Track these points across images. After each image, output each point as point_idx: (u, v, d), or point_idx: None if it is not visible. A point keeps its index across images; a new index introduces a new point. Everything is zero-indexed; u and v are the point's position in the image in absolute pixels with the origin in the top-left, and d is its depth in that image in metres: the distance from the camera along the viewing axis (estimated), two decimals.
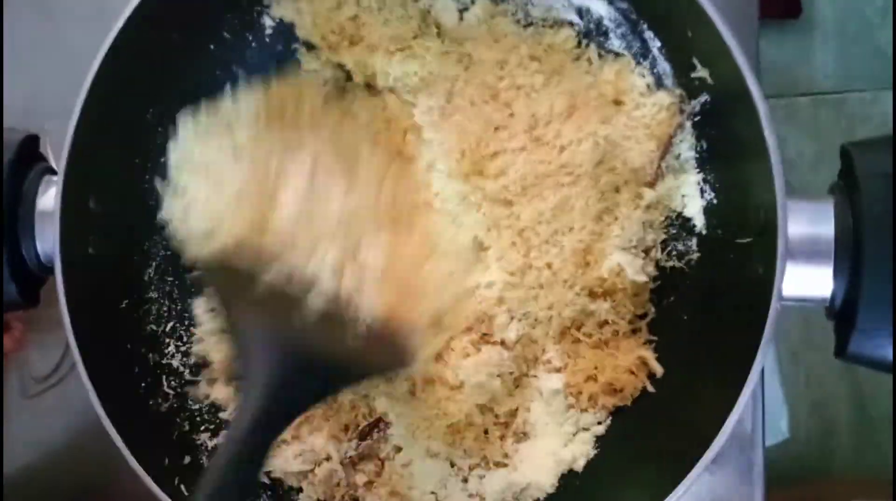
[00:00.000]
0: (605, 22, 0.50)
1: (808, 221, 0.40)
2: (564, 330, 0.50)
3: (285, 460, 0.49)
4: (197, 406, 0.51)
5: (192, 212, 0.45)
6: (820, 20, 1.23)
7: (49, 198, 0.44)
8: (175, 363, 0.51)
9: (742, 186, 0.44)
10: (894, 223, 0.38)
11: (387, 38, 0.51)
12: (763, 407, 0.53)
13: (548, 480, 0.49)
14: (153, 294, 0.51)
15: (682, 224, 0.50)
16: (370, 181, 0.46)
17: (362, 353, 0.42)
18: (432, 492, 0.49)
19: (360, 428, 0.50)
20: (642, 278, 0.49)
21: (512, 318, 0.50)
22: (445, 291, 0.46)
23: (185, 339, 0.52)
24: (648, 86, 0.50)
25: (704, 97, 0.46)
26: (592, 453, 0.49)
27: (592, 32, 0.51)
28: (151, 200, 0.52)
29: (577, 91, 0.49)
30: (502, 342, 0.50)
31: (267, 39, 0.53)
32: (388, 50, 0.51)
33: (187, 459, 0.48)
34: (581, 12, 0.51)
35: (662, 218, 0.51)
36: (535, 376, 0.51)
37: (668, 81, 0.49)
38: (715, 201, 0.48)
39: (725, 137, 0.46)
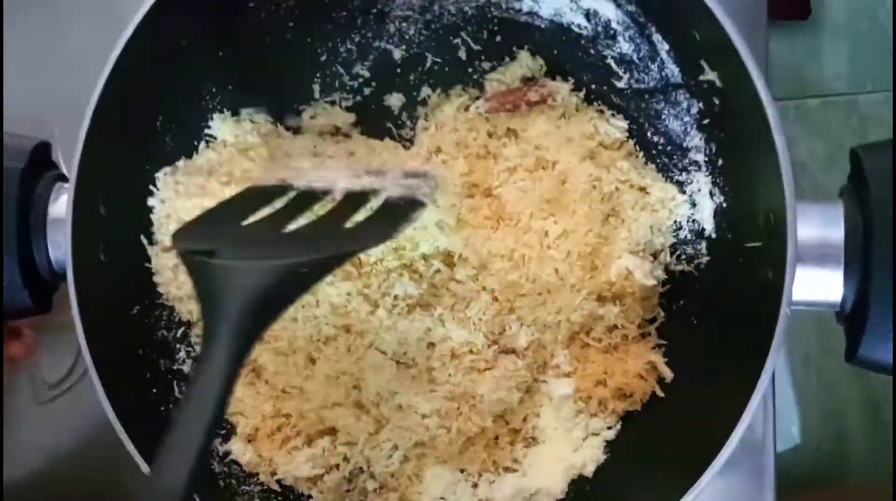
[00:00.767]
0: (614, 25, 0.50)
1: (818, 224, 0.40)
2: (573, 335, 0.50)
3: (296, 465, 0.49)
4: None
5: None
6: (830, 21, 1.23)
7: (61, 205, 0.45)
8: (186, 368, 0.51)
9: (752, 189, 0.44)
10: None
11: None
12: (774, 412, 0.53)
13: (558, 485, 0.49)
14: (164, 300, 0.51)
15: (691, 227, 0.50)
16: None
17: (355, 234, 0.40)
18: (442, 498, 0.49)
19: None
20: (651, 282, 0.49)
21: (522, 325, 0.50)
22: None
23: (195, 344, 0.52)
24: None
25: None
26: (602, 458, 0.49)
27: (600, 35, 0.51)
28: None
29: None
30: (514, 351, 0.50)
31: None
32: None
33: None
34: (589, 15, 0.51)
35: (670, 222, 0.50)
36: (545, 381, 0.50)
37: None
38: (724, 204, 0.48)
39: (735, 139, 0.46)
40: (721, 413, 0.40)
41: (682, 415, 0.47)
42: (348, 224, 0.41)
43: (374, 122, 0.55)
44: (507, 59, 0.54)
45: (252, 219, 0.41)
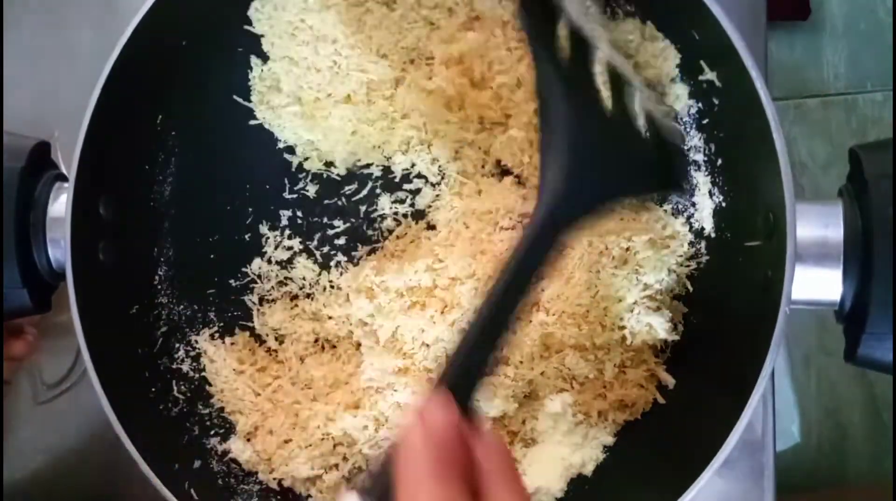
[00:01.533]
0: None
1: (817, 223, 0.40)
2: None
3: (295, 466, 0.49)
4: (207, 411, 0.51)
5: None
6: (829, 21, 1.23)
7: (60, 204, 0.45)
8: (185, 368, 0.51)
9: (751, 188, 0.44)
10: None
11: None
12: (774, 412, 0.53)
13: (557, 484, 0.48)
14: (163, 299, 0.52)
15: (690, 227, 0.50)
16: None
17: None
18: None
19: None
20: (674, 337, 0.48)
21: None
22: None
23: (194, 344, 0.52)
24: None
25: None
26: (601, 457, 0.49)
27: None
28: (161, 206, 0.52)
29: None
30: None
31: None
32: None
33: (197, 463, 0.48)
34: None
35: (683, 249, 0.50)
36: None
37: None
38: (724, 204, 0.48)
39: (734, 139, 0.46)
40: (720, 412, 0.40)
41: (682, 414, 0.47)
42: None
43: None
44: None
45: None
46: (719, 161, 0.48)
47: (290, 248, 0.53)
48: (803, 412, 1.08)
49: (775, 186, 0.39)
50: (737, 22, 0.41)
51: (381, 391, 0.49)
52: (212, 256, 0.53)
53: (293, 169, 0.54)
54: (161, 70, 0.49)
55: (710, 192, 0.49)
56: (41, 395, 0.57)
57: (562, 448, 0.49)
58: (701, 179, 0.49)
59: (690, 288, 0.49)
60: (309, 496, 0.50)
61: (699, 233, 0.50)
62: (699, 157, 0.49)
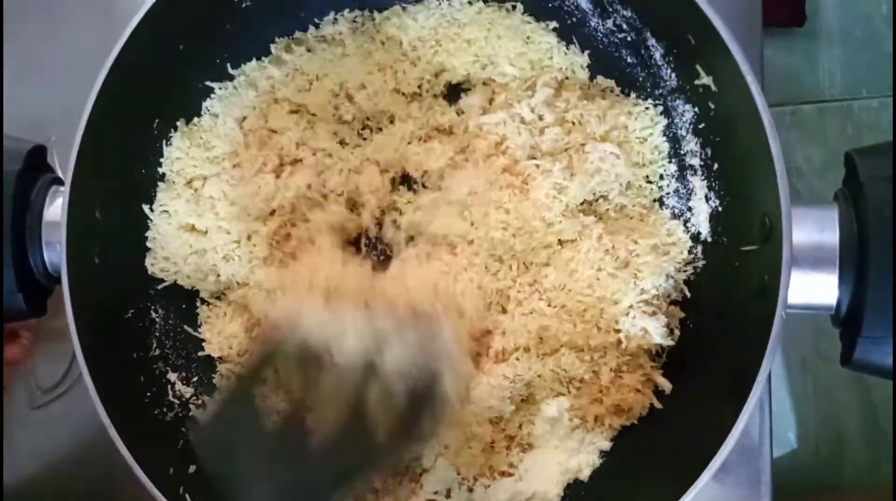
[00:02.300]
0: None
1: (812, 228, 0.40)
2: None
3: None
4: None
5: None
6: (825, 28, 1.23)
7: (56, 208, 0.45)
8: (180, 372, 0.51)
9: (747, 193, 0.44)
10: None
11: None
12: (770, 417, 0.53)
13: (553, 489, 0.48)
14: (157, 304, 0.51)
15: (687, 233, 0.50)
16: None
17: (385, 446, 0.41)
18: (435, 491, 0.49)
19: None
20: (669, 342, 0.48)
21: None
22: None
23: (189, 349, 0.52)
24: None
25: None
26: (598, 462, 0.49)
27: None
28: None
29: None
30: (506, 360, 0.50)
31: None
32: None
33: (192, 468, 0.48)
34: None
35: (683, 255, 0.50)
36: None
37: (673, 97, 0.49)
38: (720, 208, 0.48)
39: (730, 144, 0.46)
40: (716, 417, 0.40)
41: (678, 420, 0.47)
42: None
43: None
44: None
45: (271, 421, 0.41)
46: (715, 166, 0.48)
47: None
48: (800, 418, 1.08)
49: (771, 190, 0.39)
50: (733, 28, 0.41)
51: None
52: None
53: None
54: (157, 75, 0.49)
55: (706, 196, 0.49)
56: (36, 399, 0.57)
57: (559, 452, 0.49)
58: (697, 184, 0.49)
59: (688, 294, 0.49)
60: None
61: (695, 237, 0.50)
62: (695, 161, 0.49)
